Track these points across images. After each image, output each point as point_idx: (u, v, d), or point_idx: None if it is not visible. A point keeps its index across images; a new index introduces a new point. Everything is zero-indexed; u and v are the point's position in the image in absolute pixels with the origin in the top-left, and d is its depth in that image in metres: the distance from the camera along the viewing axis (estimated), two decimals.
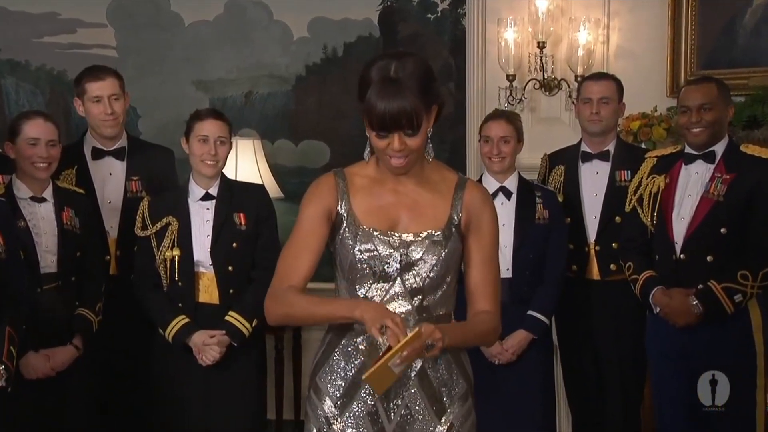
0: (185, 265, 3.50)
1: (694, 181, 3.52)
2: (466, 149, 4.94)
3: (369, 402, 2.32)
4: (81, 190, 3.63)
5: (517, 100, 4.68)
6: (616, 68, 4.46)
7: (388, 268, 2.30)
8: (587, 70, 4.51)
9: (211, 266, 3.51)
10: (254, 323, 3.49)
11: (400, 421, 2.32)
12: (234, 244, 3.53)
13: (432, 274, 2.30)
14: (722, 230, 3.41)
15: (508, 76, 4.64)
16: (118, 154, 3.85)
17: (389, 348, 2.10)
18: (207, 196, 3.56)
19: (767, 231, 3.39)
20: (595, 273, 3.89)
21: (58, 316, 3.41)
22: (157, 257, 3.51)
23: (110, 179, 3.84)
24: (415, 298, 2.31)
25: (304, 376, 4.77)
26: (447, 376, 2.35)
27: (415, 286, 2.30)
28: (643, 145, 4.34)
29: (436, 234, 2.31)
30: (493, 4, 4.80)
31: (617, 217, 3.81)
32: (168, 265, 3.51)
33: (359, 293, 2.32)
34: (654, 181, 3.60)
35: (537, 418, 3.70)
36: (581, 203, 3.91)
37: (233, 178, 4.17)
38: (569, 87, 4.64)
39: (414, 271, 2.30)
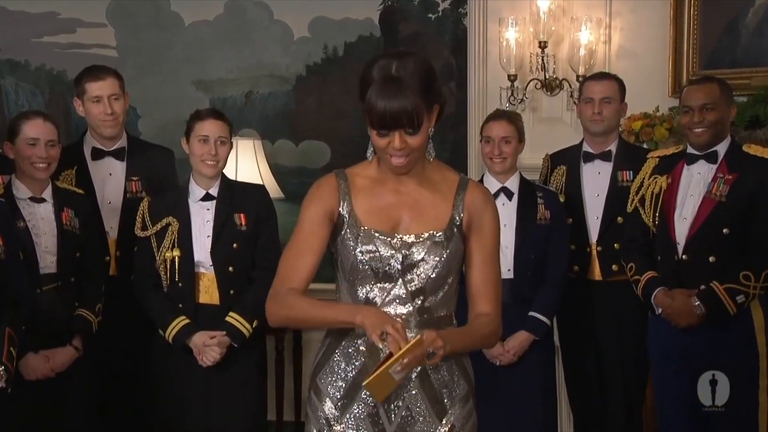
0: (185, 265, 3.50)
1: (696, 182, 3.52)
2: (467, 149, 4.93)
3: (370, 403, 2.31)
4: (80, 191, 3.62)
5: (519, 100, 4.67)
6: (617, 68, 4.45)
7: (389, 269, 2.29)
8: (589, 70, 4.50)
9: (212, 267, 3.51)
10: (255, 324, 3.48)
11: (401, 423, 2.31)
12: (234, 245, 3.52)
13: (433, 274, 2.30)
14: (724, 231, 3.41)
15: (509, 75, 4.64)
16: (118, 155, 3.84)
17: (390, 355, 2.09)
18: (207, 197, 3.55)
19: None
20: (596, 273, 3.89)
21: (58, 316, 3.40)
22: (157, 258, 3.51)
23: (110, 179, 3.83)
24: (417, 299, 2.30)
25: (305, 377, 4.76)
26: (448, 377, 2.35)
27: (416, 287, 2.30)
28: (645, 146, 4.33)
29: (437, 235, 2.30)
30: (495, 4, 4.79)
31: (619, 218, 3.80)
32: (168, 266, 3.50)
33: (360, 294, 2.32)
34: (656, 182, 3.60)
35: (538, 419, 3.70)
36: (583, 203, 3.90)
37: (233, 178, 4.16)
38: (571, 87, 4.63)
39: (415, 272, 2.29)
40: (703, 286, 3.41)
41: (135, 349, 3.67)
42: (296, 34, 5.23)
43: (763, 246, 3.39)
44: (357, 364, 2.33)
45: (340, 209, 2.32)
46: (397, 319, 2.21)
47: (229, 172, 4.15)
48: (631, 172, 3.80)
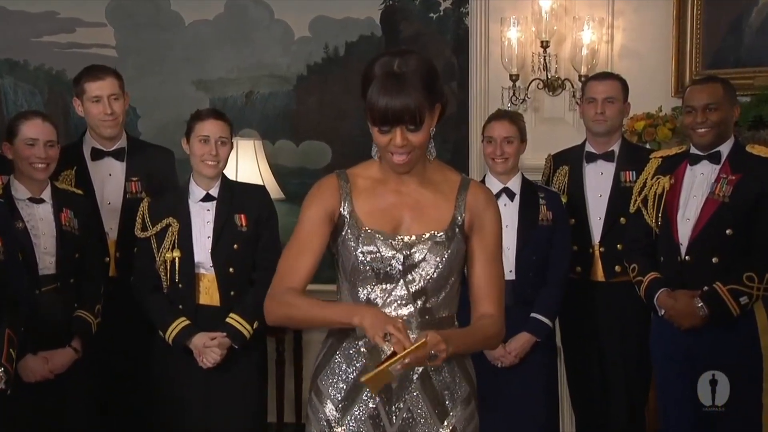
0: (186, 266, 3.49)
1: (699, 182, 3.51)
2: (468, 150, 4.92)
3: (371, 405, 2.31)
4: (80, 191, 3.62)
5: (521, 100, 4.66)
6: (620, 68, 4.44)
7: (390, 269, 2.28)
8: (591, 69, 4.49)
9: (212, 268, 3.50)
10: (255, 325, 3.48)
11: (402, 425, 2.31)
12: (235, 246, 3.51)
13: (435, 275, 2.29)
14: (728, 231, 3.40)
15: (511, 75, 4.62)
16: (117, 155, 3.84)
17: (393, 354, 2.08)
18: (207, 197, 3.54)
19: None
20: (599, 274, 3.88)
21: (57, 318, 3.39)
22: (157, 259, 3.50)
23: (110, 180, 3.83)
24: (418, 300, 2.30)
25: (305, 378, 4.75)
26: (450, 379, 2.34)
27: (417, 287, 2.29)
28: (647, 146, 4.32)
29: (439, 235, 2.30)
30: (496, 4, 4.79)
31: (622, 218, 3.80)
32: (168, 267, 3.49)
33: (361, 295, 2.31)
34: (659, 182, 3.60)
35: (540, 420, 3.70)
36: (585, 204, 3.89)
37: (234, 178, 4.16)
38: (573, 87, 4.62)
39: (416, 273, 2.29)
40: (706, 288, 3.40)
41: (135, 350, 3.67)
42: (297, 34, 5.22)
43: (767, 247, 3.37)
44: (358, 365, 2.32)
45: (341, 210, 2.31)
46: (398, 319, 2.20)
47: (230, 172, 4.15)
48: (634, 172, 3.78)
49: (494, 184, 3.69)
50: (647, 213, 3.61)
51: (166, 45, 5.32)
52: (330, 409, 2.33)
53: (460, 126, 4.95)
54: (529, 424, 3.66)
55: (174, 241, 3.49)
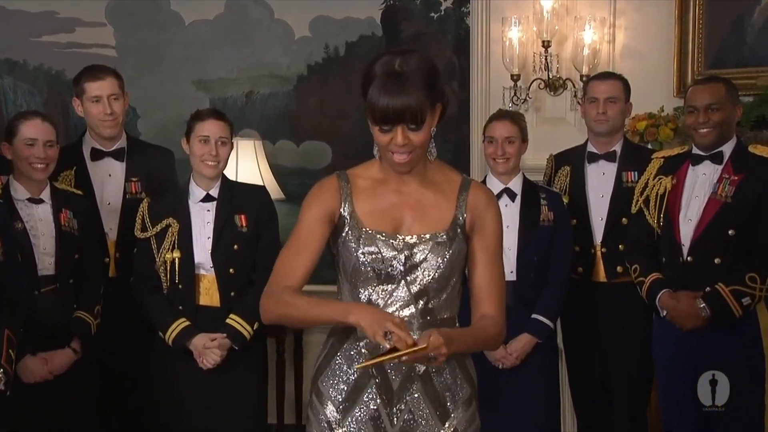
0: (185, 267, 3.48)
1: (701, 182, 3.50)
2: (469, 150, 4.91)
3: (372, 407, 2.31)
4: (79, 192, 3.62)
5: (522, 100, 4.65)
6: (622, 68, 4.43)
7: (391, 270, 2.28)
8: (593, 69, 4.49)
9: (212, 268, 3.50)
10: (255, 326, 3.47)
11: (404, 426, 2.31)
12: (235, 246, 3.50)
13: (436, 275, 2.29)
14: (730, 232, 3.39)
15: (512, 75, 4.62)
16: (117, 155, 3.83)
17: (394, 349, 2.07)
18: (208, 198, 3.54)
19: None
20: (601, 275, 3.87)
21: (56, 319, 3.39)
22: (157, 259, 3.49)
23: (109, 180, 3.82)
24: (420, 301, 2.29)
25: (306, 379, 4.74)
26: (451, 380, 2.34)
27: (419, 288, 2.29)
28: (649, 146, 4.31)
29: (440, 235, 2.29)
30: (498, 3, 4.78)
31: (624, 219, 3.79)
32: (168, 268, 3.48)
33: (362, 296, 2.30)
34: (661, 182, 3.59)
35: (541, 421, 3.69)
36: (587, 204, 3.88)
37: (234, 179, 4.16)
38: (574, 87, 4.61)
39: (418, 273, 2.28)
40: (708, 288, 3.39)
41: (135, 351, 3.66)
42: (297, 34, 5.21)
43: None
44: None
45: (342, 210, 2.31)
46: (395, 315, 2.20)
47: (230, 172, 4.15)
48: (635, 172, 3.78)
49: (495, 185, 3.68)
50: (649, 213, 3.60)
51: (165, 45, 5.32)
52: (331, 411, 2.33)
53: (461, 126, 4.94)
54: (530, 426, 3.65)
55: (174, 242, 3.48)
